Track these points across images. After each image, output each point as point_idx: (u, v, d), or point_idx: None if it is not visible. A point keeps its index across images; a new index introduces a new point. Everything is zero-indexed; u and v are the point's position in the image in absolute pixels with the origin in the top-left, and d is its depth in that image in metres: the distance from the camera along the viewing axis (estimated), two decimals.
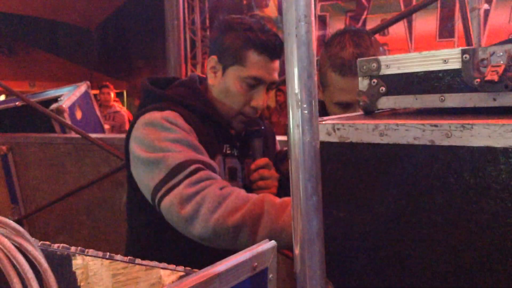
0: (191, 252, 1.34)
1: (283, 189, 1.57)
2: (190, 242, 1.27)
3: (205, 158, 1.37)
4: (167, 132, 1.37)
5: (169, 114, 1.42)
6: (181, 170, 1.28)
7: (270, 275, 0.74)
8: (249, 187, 1.52)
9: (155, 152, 1.34)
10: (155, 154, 1.33)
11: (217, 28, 1.59)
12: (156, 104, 1.48)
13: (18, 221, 2.80)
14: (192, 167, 1.29)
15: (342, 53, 1.47)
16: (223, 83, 1.52)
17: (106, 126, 6.41)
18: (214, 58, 1.54)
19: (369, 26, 7.11)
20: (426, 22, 7.24)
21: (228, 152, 1.56)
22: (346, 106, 1.49)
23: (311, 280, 0.68)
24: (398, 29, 7.34)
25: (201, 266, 0.70)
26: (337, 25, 7.72)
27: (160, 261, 0.83)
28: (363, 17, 7.76)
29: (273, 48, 1.48)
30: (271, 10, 8.67)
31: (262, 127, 1.60)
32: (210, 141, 1.48)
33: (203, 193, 1.24)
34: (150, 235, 1.52)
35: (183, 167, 1.29)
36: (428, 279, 0.70)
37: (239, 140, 1.60)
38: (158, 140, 1.35)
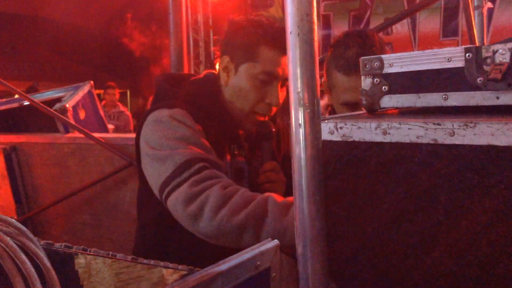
0: (199, 247, 1.35)
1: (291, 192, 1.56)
2: (197, 237, 1.29)
3: (211, 156, 1.37)
4: (174, 129, 1.39)
5: (177, 112, 1.43)
6: (187, 168, 1.30)
7: (273, 274, 0.74)
8: (255, 189, 1.52)
9: (162, 149, 1.36)
10: (162, 152, 1.35)
11: (227, 29, 1.59)
12: (166, 102, 1.49)
13: (22, 221, 2.80)
14: (198, 165, 1.30)
15: (346, 53, 1.48)
16: (236, 82, 1.51)
17: (110, 127, 6.42)
18: (226, 58, 1.53)
19: (373, 25, 7.10)
20: (430, 21, 7.21)
21: (236, 152, 1.56)
22: (353, 106, 1.49)
23: (314, 279, 0.68)
24: (402, 28, 7.31)
25: (209, 260, 0.70)
26: (340, 24, 7.70)
27: (168, 256, 0.83)
28: (367, 16, 7.74)
29: (285, 42, 1.47)
30: (275, 10, 8.66)
31: (273, 129, 1.59)
32: (218, 140, 1.49)
33: (207, 192, 1.25)
34: (159, 230, 1.54)
35: (189, 165, 1.30)
36: (430, 279, 0.70)
37: (247, 141, 1.60)
38: (165, 138, 1.37)
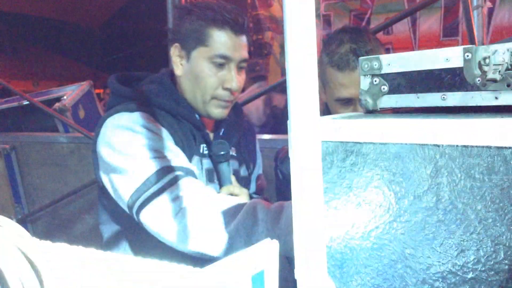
0: (172, 261, 1.29)
1: (283, 191, 1.55)
2: (171, 250, 1.21)
3: (183, 163, 1.29)
4: (138, 136, 1.29)
5: (140, 116, 1.34)
6: (159, 178, 1.21)
7: (271, 275, 0.74)
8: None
9: (127, 158, 1.26)
10: (128, 161, 1.25)
11: (176, 16, 1.53)
12: (125, 105, 1.39)
13: (21, 220, 2.80)
14: (171, 174, 1.22)
15: (340, 48, 1.46)
16: (190, 69, 1.44)
17: None
18: (176, 46, 1.47)
19: (373, 25, 7.11)
20: (430, 21, 7.22)
21: (205, 152, 1.49)
22: (347, 102, 1.48)
23: (312, 280, 0.68)
24: (402, 28, 7.32)
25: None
26: (341, 24, 7.71)
27: None
28: (367, 16, 7.75)
29: (235, 23, 1.41)
30: (275, 10, 8.66)
31: (230, 150, 1.52)
32: (186, 141, 1.41)
33: (188, 204, 1.18)
34: (125, 242, 1.45)
35: (160, 175, 1.21)
36: (429, 279, 0.70)
37: (215, 138, 1.54)
38: (129, 145, 1.27)
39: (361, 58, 0.86)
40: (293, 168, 0.68)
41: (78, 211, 2.71)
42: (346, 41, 1.47)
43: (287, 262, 1.66)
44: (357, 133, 0.74)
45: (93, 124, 3.14)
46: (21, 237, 0.59)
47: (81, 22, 12.13)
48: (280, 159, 1.70)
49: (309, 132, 0.66)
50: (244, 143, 1.68)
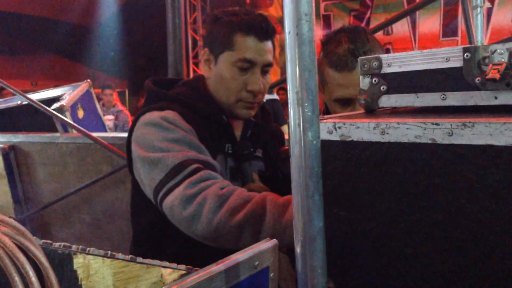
0: (196, 250, 1.34)
1: (284, 188, 1.55)
2: (195, 240, 1.28)
3: (206, 157, 1.36)
4: (166, 132, 1.38)
5: (168, 113, 1.42)
6: (181, 170, 1.29)
7: (271, 274, 0.74)
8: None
9: (155, 152, 1.34)
10: (154, 154, 1.34)
11: (206, 23, 1.60)
12: (156, 104, 1.49)
13: (20, 220, 2.80)
14: (192, 166, 1.29)
15: (338, 49, 1.47)
16: (217, 72, 1.52)
17: (109, 117, 6.42)
18: (206, 50, 1.55)
19: (373, 25, 7.12)
20: (430, 21, 7.23)
21: (230, 151, 1.55)
22: (345, 103, 1.48)
23: (312, 279, 0.68)
24: (402, 28, 7.34)
25: (206, 264, 0.70)
26: (341, 24, 7.71)
27: (165, 259, 0.83)
28: (367, 16, 7.76)
29: (260, 29, 1.48)
30: (275, 9, 8.68)
31: (252, 150, 1.58)
32: (211, 140, 1.48)
33: (203, 193, 1.24)
34: (154, 234, 1.52)
35: (182, 167, 1.29)
36: (429, 278, 0.70)
37: (242, 139, 1.60)
38: (157, 140, 1.36)
39: (360, 58, 0.86)
40: (293, 168, 0.68)
41: (77, 211, 2.71)
42: (344, 41, 1.48)
43: (289, 261, 1.67)
44: (356, 132, 0.75)
45: (92, 124, 3.14)
46: (23, 236, 0.59)
47: (79, 21, 12.11)
48: (281, 160, 1.70)
49: (308, 131, 0.66)
50: (271, 145, 1.73)
